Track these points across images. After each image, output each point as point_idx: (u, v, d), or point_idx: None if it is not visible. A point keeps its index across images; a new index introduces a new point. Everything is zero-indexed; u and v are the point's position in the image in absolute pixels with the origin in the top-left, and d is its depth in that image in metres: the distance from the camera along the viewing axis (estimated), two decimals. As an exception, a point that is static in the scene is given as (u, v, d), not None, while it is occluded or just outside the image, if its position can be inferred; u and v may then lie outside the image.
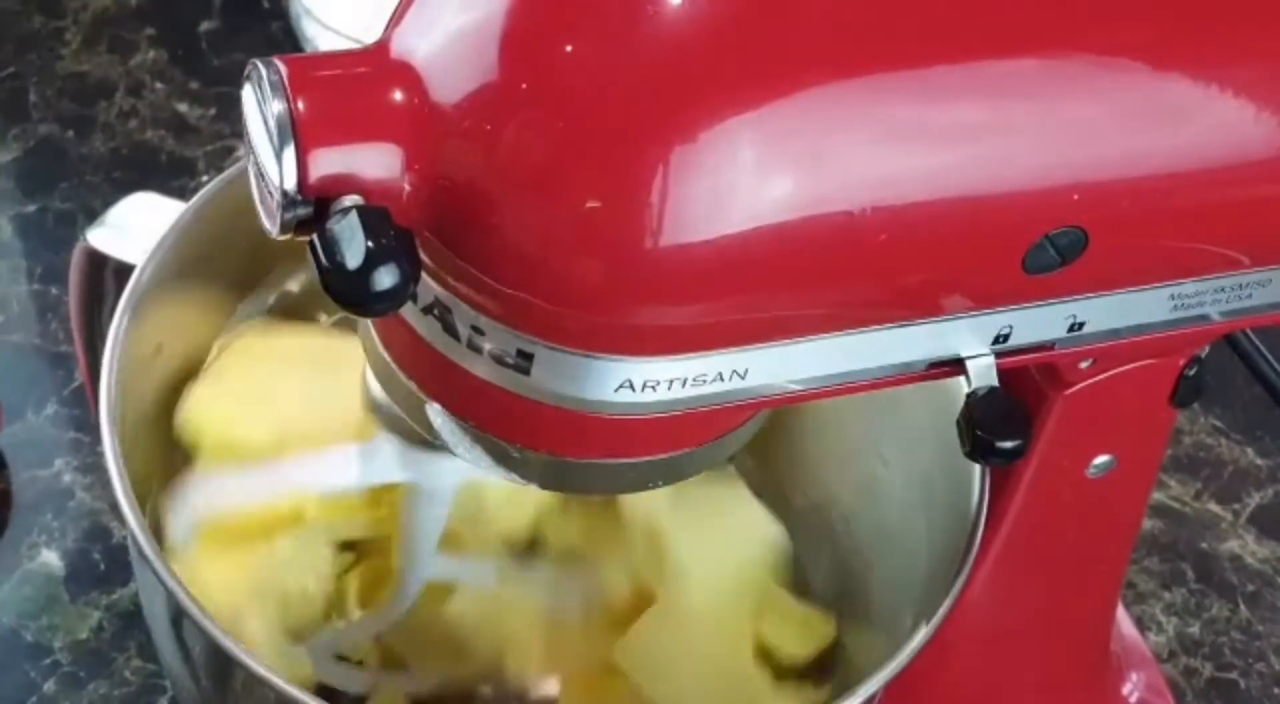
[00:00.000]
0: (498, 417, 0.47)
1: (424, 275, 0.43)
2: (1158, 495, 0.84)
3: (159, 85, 0.96)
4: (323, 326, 0.66)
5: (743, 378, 0.45)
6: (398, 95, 0.42)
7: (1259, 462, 0.86)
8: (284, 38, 0.97)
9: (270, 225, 0.43)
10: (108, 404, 0.57)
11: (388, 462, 0.61)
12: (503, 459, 0.48)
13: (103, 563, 0.77)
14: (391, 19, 0.44)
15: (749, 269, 0.42)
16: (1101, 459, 0.57)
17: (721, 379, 0.45)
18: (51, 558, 0.77)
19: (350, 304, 0.41)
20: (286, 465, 0.63)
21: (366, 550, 0.67)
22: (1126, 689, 0.73)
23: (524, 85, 0.42)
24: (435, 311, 0.45)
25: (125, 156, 0.92)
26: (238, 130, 0.44)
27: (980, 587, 0.59)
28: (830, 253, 0.43)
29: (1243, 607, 0.81)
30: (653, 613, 0.66)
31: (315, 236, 0.41)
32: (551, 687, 0.68)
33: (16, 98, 0.94)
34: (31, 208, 0.89)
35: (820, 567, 0.71)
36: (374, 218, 0.41)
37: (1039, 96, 0.44)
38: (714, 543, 0.67)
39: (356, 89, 0.43)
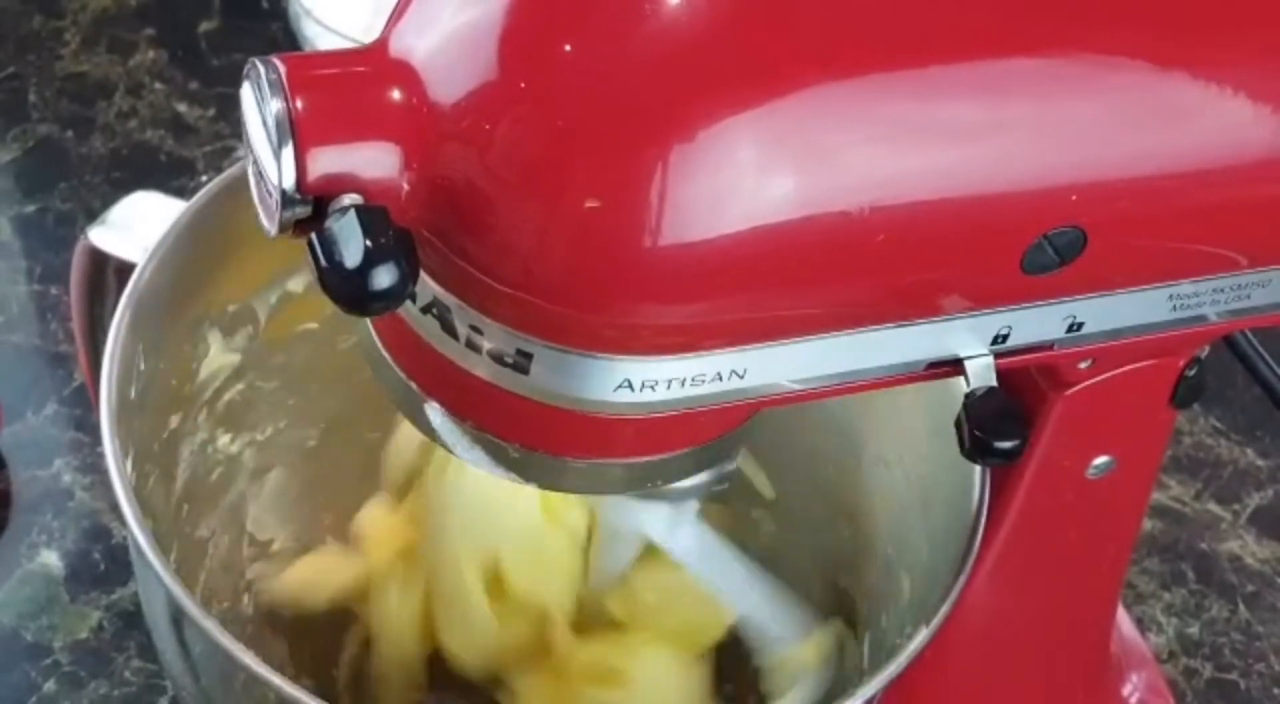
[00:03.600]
0: (496, 416, 0.47)
1: (422, 274, 0.43)
2: (1158, 495, 0.84)
3: (158, 85, 0.96)
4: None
5: (741, 378, 0.45)
6: (396, 94, 0.42)
7: (1259, 462, 0.86)
8: (283, 38, 0.97)
9: (269, 224, 0.43)
10: (108, 403, 0.57)
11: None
12: (501, 459, 0.48)
13: (103, 563, 0.77)
14: (390, 18, 0.44)
15: (747, 269, 0.42)
16: (1101, 460, 0.57)
17: (720, 379, 0.45)
18: (51, 558, 0.77)
19: (348, 304, 0.41)
20: None
21: None
22: (1126, 690, 0.73)
23: (522, 84, 0.42)
24: (434, 311, 0.45)
25: (125, 157, 0.92)
26: (237, 131, 0.44)
27: (980, 587, 0.59)
28: (829, 253, 0.43)
29: (1243, 607, 0.81)
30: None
31: (314, 236, 0.41)
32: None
33: (16, 98, 0.94)
34: (31, 208, 0.90)
35: (820, 567, 0.71)
36: (372, 217, 0.41)
37: (1037, 96, 0.44)
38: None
39: (355, 88, 0.43)
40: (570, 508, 0.66)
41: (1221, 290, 0.49)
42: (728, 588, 0.65)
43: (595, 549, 0.66)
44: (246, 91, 0.43)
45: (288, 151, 0.41)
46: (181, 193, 0.85)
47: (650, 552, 0.65)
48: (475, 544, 0.66)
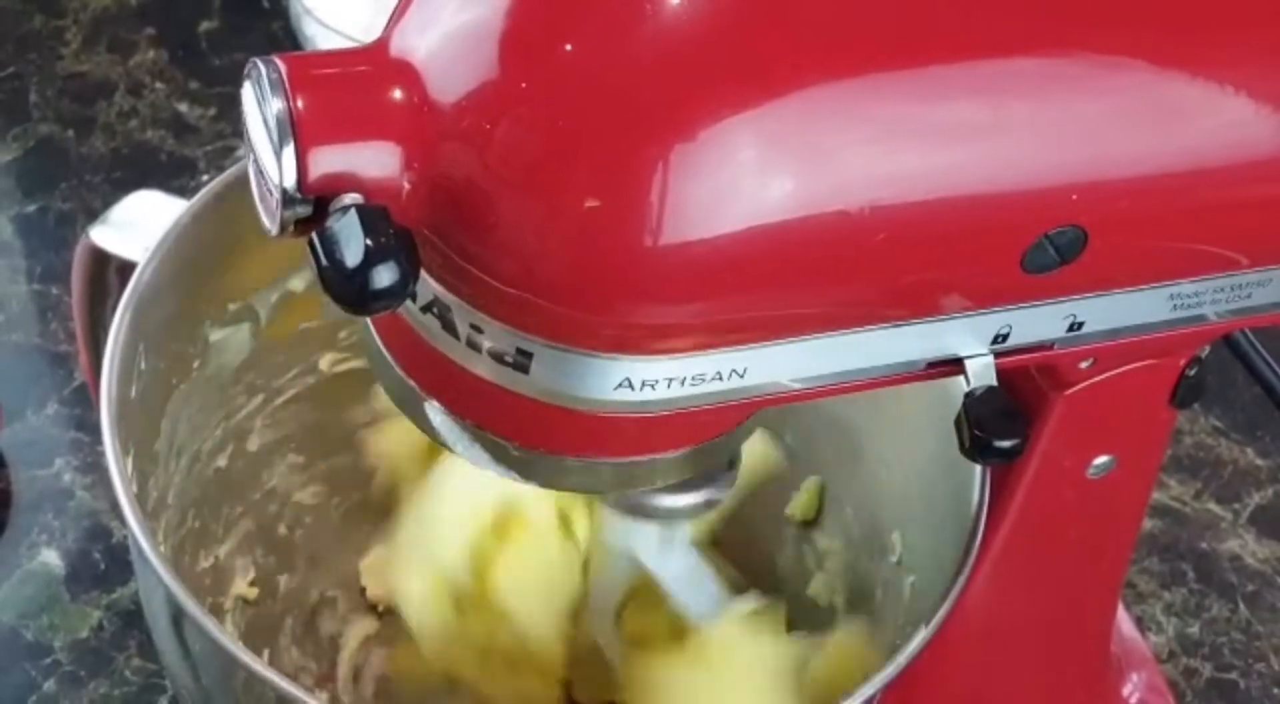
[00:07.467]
0: (496, 415, 0.47)
1: (423, 274, 0.43)
2: (1158, 495, 0.84)
3: (159, 85, 0.96)
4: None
5: (741, 377, 0.45)
6: (397, 94, 0.42)
7: (1259, 462, 0.86)
8: (284, 37, 0.97)
9: (269, 224, 0.43)
10: (108, 403, 0.57)
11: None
12: (501, 458, 0.48)
13: (103, 563, 0.77)
14: (391, 17, 0.44)
15: (747, 268, 0.42)
16: (1102, 459, 0.57)
17: (720, 378, 0.45)
18: (51, 557, 0.77)
19: (349, 303, 0.41)
20: None
21: None
22: (1126, 689, 0.73)
23: (523, 84, 0.42)
24: (434, 310, 0.45)
25: (125, 156, 0.92)
26: (238, 130, 0.44)
27: (980, 587, 0.59)
28: (829, 252, 0.43)
29: (1243, 607, 0.81)
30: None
31: (314, 235, 0.41)
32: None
33: (16, 98, 0.94)
34: (31, 208, 0.90)
35: (820, 567, 0.71)
36: (373, 216, 0.41)
37: (1038, 96, 0.44)
38: None
39: (356, 87, 0.43)
40: (579, 519, 0.66)
41: (1221, 290, 0.49)
42: (702, 609, 0.66)
43: (593, 570, 0.66)
44: (247, 91, 0.43)
45: (289, 151, 0.41)
46: (182, 192, 0.85)
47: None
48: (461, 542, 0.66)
